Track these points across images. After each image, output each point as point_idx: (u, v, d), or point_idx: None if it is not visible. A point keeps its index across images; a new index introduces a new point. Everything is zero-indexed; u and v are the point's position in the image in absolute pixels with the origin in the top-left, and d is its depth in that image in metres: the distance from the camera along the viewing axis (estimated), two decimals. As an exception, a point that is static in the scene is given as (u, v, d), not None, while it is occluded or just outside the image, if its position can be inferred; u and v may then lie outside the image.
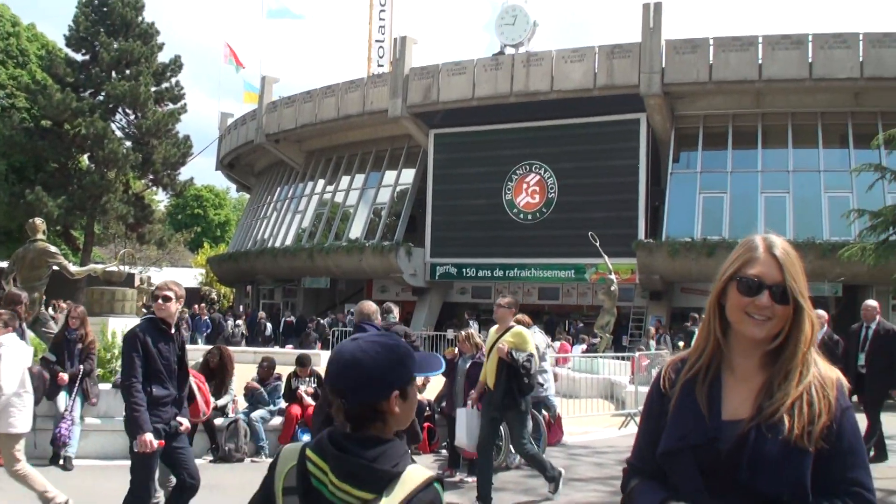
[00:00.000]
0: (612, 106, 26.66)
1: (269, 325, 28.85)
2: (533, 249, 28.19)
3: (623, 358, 16.12)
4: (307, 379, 9.76)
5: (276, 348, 24.29)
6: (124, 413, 5.02)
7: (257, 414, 9.32)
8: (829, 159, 25.35)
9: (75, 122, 32.25)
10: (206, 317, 27.34)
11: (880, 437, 9.06)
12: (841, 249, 18.62)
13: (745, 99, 26.29)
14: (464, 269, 29.56)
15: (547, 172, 28.59)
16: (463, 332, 8.84)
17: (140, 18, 34.93)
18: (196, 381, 6.33)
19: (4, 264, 13.48)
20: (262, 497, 1.78)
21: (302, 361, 9.90)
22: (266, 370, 9.88)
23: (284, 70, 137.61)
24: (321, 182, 34.55)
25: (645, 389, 8.71)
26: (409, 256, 29.47)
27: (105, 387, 8.92)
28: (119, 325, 10.02)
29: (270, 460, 1.83)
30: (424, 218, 30.76)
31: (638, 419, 9.49)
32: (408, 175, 31.87)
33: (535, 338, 9.79)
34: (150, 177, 35.76)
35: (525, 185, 28.99)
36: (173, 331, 5.17)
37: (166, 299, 5.09)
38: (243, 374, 10.64)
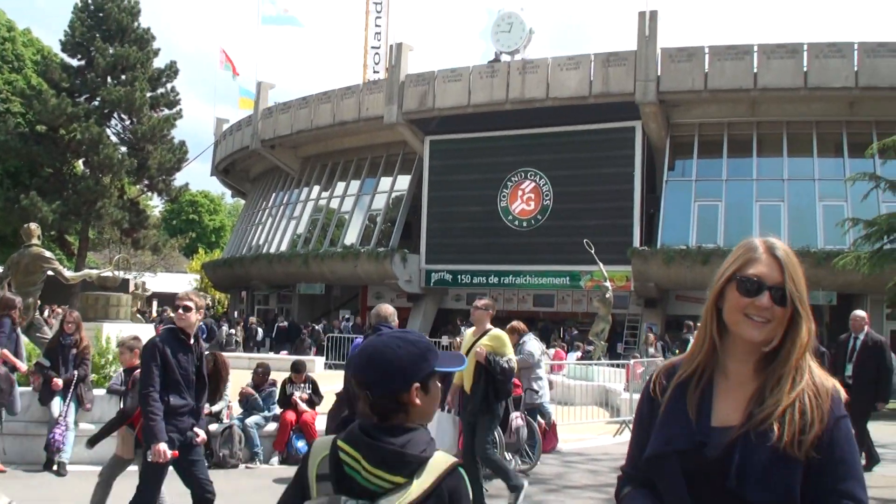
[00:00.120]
0: (608, 114, 26.73)
1: (259, 330, 28.81)
2: (528, 256, 28.22)
3: (618, 365, 16.14)
4: (302, 385, 9.76)
5: (271, 354, 24.23)
6: (140, 422, 5.03)
7: (252, 420, 9.31)
8: (824, 168, 25.43)
9: (70, 128, 32.22)
10: (201, 322, 27.20)
11: (869, 445, 9.07)
12: (836, 258, 18.74)
13: (740, 107, 26.38)
14: (459, 276, 29.56)
15: (542, 179, 28.63)
16: (458, 339, 8.85)
17: (136, 24, 34.88)
18: None
19: (-1, 269, 13.45)
20: (296, 487, 1.87)
21: (297, 367, 9.94)
22: (261, 376, 9.88)
23: (280, 76, 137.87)
24: (316, 188, 34.53)
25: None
26: (405, 263, 29.47)
27: (99, 392, 8.89)
28: (113, 331, 10.00)
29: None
30: (420, 224, 30.74)
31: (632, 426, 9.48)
32: (403, 181, 31.88)
33: (531, 345, 9.83)
34: (146, 182, 35.73)
35: (520, 192, 29.01)
36: (192, 341, 5.18)
37: (186, 309, 5.11)
38: (238, 379, 10.61)
